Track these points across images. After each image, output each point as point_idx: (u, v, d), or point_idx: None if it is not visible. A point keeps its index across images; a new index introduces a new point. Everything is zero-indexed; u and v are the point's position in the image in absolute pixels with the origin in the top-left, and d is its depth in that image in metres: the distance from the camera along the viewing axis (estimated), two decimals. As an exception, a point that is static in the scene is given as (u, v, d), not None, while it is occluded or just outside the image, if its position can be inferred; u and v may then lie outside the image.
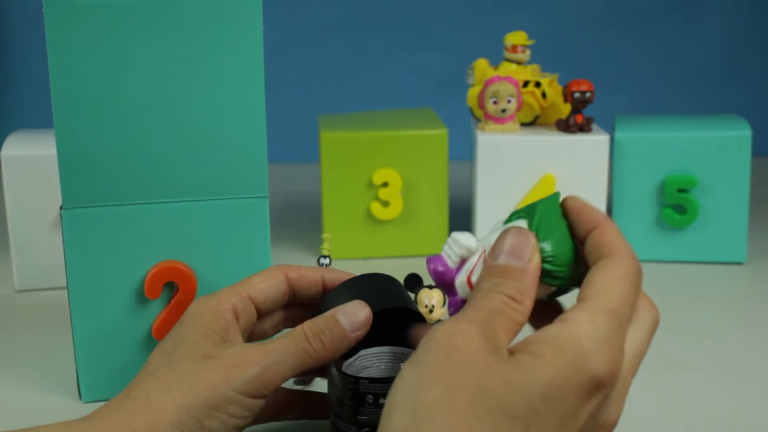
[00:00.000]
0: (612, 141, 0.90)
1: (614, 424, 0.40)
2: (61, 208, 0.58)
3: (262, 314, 0.52)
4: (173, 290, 0.59)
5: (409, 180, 0.91)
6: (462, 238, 0.44)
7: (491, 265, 0.40)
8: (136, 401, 0.45)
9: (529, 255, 0.40)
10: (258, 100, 0.58)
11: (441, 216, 0.92)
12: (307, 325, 0.48)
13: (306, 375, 0.62)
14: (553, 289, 0.43)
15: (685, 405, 0.60)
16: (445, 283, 0.45)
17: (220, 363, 0.46)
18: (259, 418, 0.51)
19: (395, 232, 0.92)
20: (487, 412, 0.35)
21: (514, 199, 0.90)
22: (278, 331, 0.55)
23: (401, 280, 0.58)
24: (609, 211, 0.92)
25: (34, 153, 0.80)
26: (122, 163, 0.57)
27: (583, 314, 0.38)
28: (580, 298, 0.39)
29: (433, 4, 1.46)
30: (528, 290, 0.40)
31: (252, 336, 0.53)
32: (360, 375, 0.49)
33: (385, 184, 0.90)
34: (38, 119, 1.04)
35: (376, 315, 0.49)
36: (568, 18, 1.46)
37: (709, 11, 1.46)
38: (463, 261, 0.44)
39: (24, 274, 0.82)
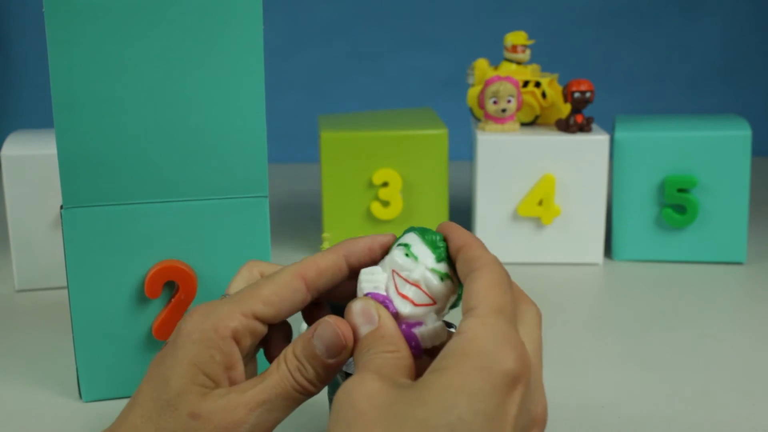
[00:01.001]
0: (612, 141, 0.90)
1: (544, 419, 0.40)
2: (61, 207, 0.58)
3: (278, 321, 0.46)
4: (173, 290, 0.59)
5: (409, 180, 0.91)
6: (370, 274, 0.45)
7: (360, 343, 0.42)
8: None
9: (376, 314, 0.42)
10: (258, 100, 0.58)
11: (441, 216, 0.92)
12: (290, 357, 0.44)
13: None
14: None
15: (685, 405, 0.60)
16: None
17: (207, 424, 0.42)
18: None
19: (395, 232, 0.92)
20: (406, 430, 0.35)
21: (514, 199, 0.90)
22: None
23: None
24: (609, 211, 0.92)
25: (34, 153, 0.80)
26: (122, 163, 0.57)
27: (473, 321, 0.39)
28: (464, 310, 0.40)
29: (433, 4, 1.46)
30: (393, 339, 0.41)
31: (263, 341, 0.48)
32: None
33: (385, 184, 0.90)
34: (38, 119, 1.04)
35: None
36: (568, 18, 1.46)
37: (709, 11, 1.46)
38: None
39: (24, 274, 0.82)
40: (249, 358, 0.46)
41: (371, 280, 0.45)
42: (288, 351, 0.44)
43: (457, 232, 0.44)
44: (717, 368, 0.66)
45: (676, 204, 0.89)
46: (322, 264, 0.46)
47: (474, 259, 0.42)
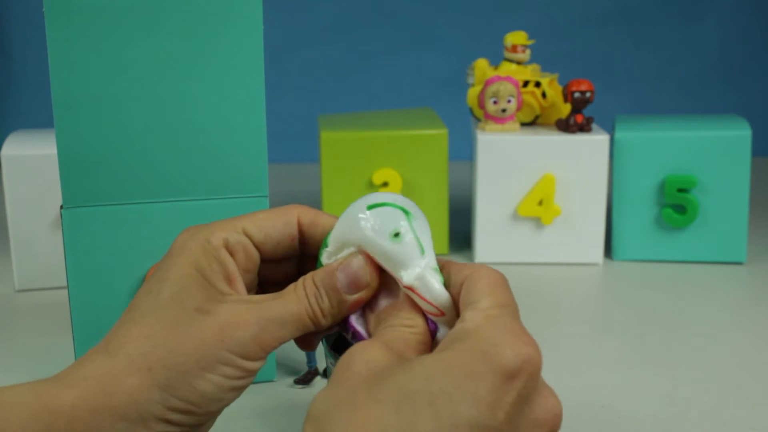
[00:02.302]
0: (612, 141, 0.90)
1: (555, 422, 0.38)
2: (61, 207, 0.58)
3: (267, 257, 0.45)
4: (173, 290, 0.59)
5: (409, 180, 0.91)
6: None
7: (377, 315, 0.42)
8: (115, 358, 0.40)
9: (367, 280, 0.42)
10: (258, 100, 0.58)
11: (441, 216, 0.92)
12: (309, 283, 0.43)
13: (307, 376, 0.62)
14: None
15: (685, 405, 0.60)
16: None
17: (214, 320, 0.40)
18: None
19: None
20: (385, 393, 0.35)
21: (514, 199, 0.90)
22: (293, 281, 0.47)
23: None
24: (609, 211, 0.92)
25: (34, 153, 0.80)
26: (122, 163, 0.57)
27: (476, 312, 0.38)
28: (465, 304, 0.39)
29: (433, 4, 1.46)
30: (411, 312, 0.41)
31: (262, 285, 0.47)
32: None
33: (385, 184, 0.90)
34: (38, 119, 1.04)
35: None
36: (568, 18, 1.46)
37: (709, 11, 1.46)
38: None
39: (24, 273, 0.82)
40: (249, 282, 0.45)
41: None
42: (308, 277, 0.43)
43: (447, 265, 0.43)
44: (717, 368, 0.66)
45: (676, 204, 0.89)
46: (322, 217, 0.45)
47: (464, 267, 0.41)
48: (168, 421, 0.40)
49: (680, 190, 0.88)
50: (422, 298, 0.41)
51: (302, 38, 1.45)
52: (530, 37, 0.95)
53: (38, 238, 0.81)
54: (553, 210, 0.89)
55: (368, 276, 0.42)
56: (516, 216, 0.91)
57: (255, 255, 0.44)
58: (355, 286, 0.42)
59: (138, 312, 0.41)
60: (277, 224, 0.44)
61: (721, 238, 0.89)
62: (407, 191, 0.91)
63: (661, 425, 0.57)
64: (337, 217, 0.44)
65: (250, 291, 0.45)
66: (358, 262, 0.42)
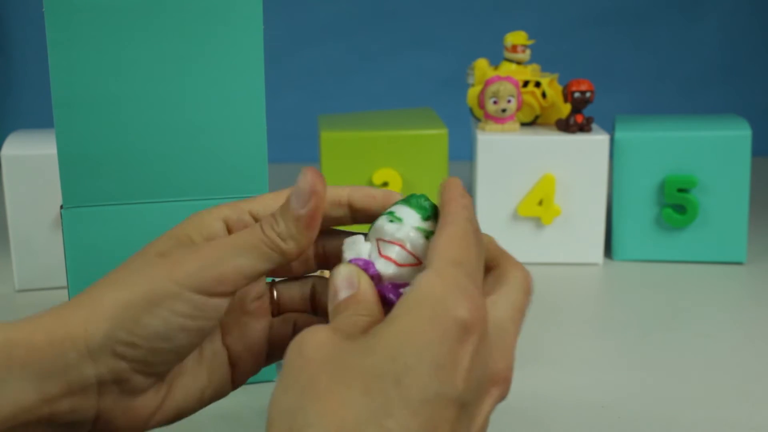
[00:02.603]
0: (612, 141, 0.90)
1: (507, 378, 0.38)
2: (61, 207, 0.58)
3: None
4: (173, 290, 0.59)
5: (409, 180, 0.91)
6: (352, 243, 0.44)
7: (335, 305, 0.41)
8: (79, 298, 0.41)
9: (357, 280, 0.41)
10: (258, 100, 0.58)
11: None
12: (266, 218, 0.42)
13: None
14: None
15: (685, 405, 0.60)
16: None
17: (169, 259, 0.41)
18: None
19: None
20: (351, 378, 0.34)
21: (514, 199, 0.90)
22: (310, 268, 0.48)
23: None
24: (609, 211, 0.92)
25: (34, 153, 0.80)
26: (122, 163, 0.57)
27: (428, 272, 0.37)
28: (428, 260, 0.39)
29: (433, 4, 1.46)
30: (369, 304, 0.40)
31: (281, 299, 0.47)
32: None
33: (385, 184, 0.90)
34: (38, 119, 1.04)
35: None
36: (568, 18, 1.46)
37: (709, 11, 1.46)
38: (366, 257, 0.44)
39: (24, 273, 0.82)
40: (251, 301, 0.45)
41: (353, 248, 0.43)
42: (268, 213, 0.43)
43: (448, 189, 0.42)
44: (717, 368, 0.66)
45: (676, 204, 0.89)
46: (328, 189, 0.45)
47: (444, 214, 0.41)
48: (114, 353, 0.40)
49: (680, 190, 0.88)
50: (405, 249, 0.42)
51: (302, 38, 1.45)
52: (530, 37, 0.95)
53: (38, 238, 0.81)
54: (553, 210, 0.89)
55: (310, 183, 0.41)
56: (516, 216, 0.91)
57: None
58: (302, 197, 0.41)
59: (106, 277, 0.42)
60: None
61: (721, 238, 0.89)
62: (407, 191, 0.91)
63: (661, 425, 0.57)
64: (341, 187, 0.45)
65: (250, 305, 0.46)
66: (301, 175, 0.42)
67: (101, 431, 0.42)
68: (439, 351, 0.35)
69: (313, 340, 0.36)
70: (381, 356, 0.35)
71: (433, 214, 0.43)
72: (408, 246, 0.43)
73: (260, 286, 0.47)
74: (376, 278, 0.42)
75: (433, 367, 0.34)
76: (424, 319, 0.35)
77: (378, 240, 0.43)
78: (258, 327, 0.46)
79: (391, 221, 0.43)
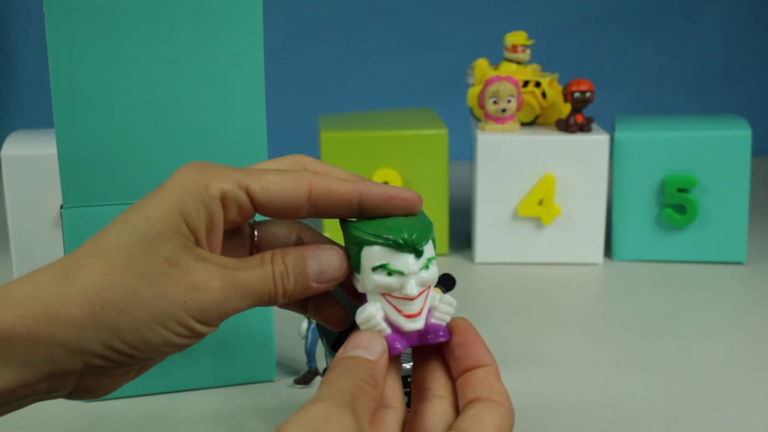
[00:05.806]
0: (612, 141, 0.90)
1: None
2: (61, 207, 0.58)
3: (267, 211, 0.43)
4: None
5: (409, 180, 0.91)
6: (366, 321, 0.42)
7: (343, 356, 0.41)
8: (68, 286, 0.39)
9: (380, 352, 0.41)
10: (258, 100, 0.58)
11: (441, 216, 0.92)
12: (278, 262, 0.42)
13: (307, 376, 0.62)
14: None
15: (685, 405, 0.60)
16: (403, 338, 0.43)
17: (182, 277, 0.40)
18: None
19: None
20: None
21: (514, 199, 0.90)
22: (291, 242, 0.46)
23: None
24: (609, 211, 0.92)
25: (34, 153, 0.80)
26: (122, 163, 0.57)
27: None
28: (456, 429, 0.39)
29: (433, 4, 1.46)
30: (379, 379, 0.40)
31: (261, 241, 0.46)
32: None
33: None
34: (38, 119, 1.04)
35: None
36: (568, 18, 1.46)
37: (709, 11, 1.46)
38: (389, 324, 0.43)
39: (24, 273, 0.82)
40: (228, 235, 0.44)
41: (370, 325, 0.42)
42: (277, 254, 0.42)
43: (473, 345, 0.42)
44: (717, 368, 0.66)
45: (676, 204, 0.89)
46: (335, 187, 0.43)
47: (488, 386, 0.41)
48: (105, 358, 0.39)
49: (680, 190, 0.88)
50: (423, 294, 0.42)
51: (302, 38, 1.45)
52: (530, 37, 0.95)
53: (38, 238, 0.81)
54: (553, 210, 0.89)
55: (339, 270, 0.42)
56: (516, 216, 0.91)
57: (249, 213, 0.43)
58: (325, 276, 0.42)
59: (106, 243, 0.40)
60: (285, 192, 0.42)
61: (721, 238, 0.89)
62: (407, 191, 0.91)
63: (661, 425, 0.57)
64: (351, 182, 0.44)
65: (228, 234, 0.44)
66: (332, 253, 0.42)
67: (77, 398, 0.42)
68: None
69: (338, 427, 0.36)
70: None
71: (422, 238, 0.42)
72: (423, 288, 0.42)
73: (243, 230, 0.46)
74: (404, 339, 0.42)
75: None
76: None
77: (386, 297, 0.42)
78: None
79: (389, 275, 0.41)
